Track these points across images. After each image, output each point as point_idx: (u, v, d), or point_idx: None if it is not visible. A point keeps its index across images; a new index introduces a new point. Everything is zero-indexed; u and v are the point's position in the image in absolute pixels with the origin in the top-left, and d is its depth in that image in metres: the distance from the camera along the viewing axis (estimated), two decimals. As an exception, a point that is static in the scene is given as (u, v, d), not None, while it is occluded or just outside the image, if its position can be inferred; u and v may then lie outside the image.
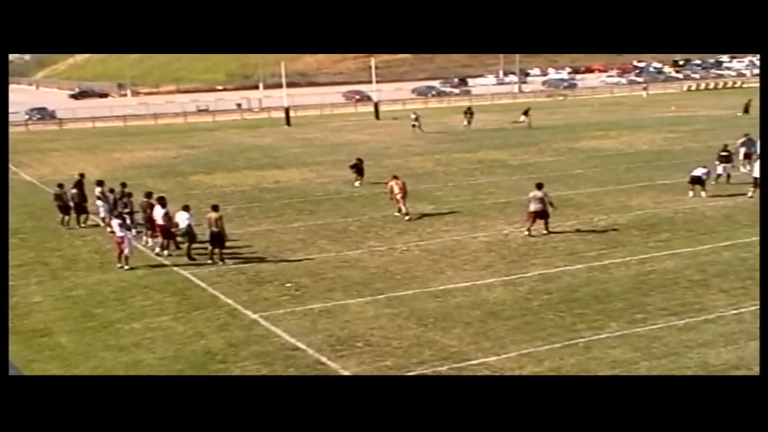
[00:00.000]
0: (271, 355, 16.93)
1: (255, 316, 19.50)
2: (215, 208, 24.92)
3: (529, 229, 26.49)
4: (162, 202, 25.78)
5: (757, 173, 30.71)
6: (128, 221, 26.09)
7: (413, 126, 61.43)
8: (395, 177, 30.70)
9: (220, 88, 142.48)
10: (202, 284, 22.35)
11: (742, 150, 37.38)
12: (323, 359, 16.62)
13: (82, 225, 30.68)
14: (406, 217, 29.56)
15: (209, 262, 24.26)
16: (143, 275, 23.58)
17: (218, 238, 24.37)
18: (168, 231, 25.27)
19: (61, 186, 32.19)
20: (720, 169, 34.12)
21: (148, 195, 27.31)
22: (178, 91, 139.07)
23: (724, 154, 34.69)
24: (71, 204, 30.88)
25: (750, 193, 30.82)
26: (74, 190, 31.19)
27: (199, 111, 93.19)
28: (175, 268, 24.06)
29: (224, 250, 24.55)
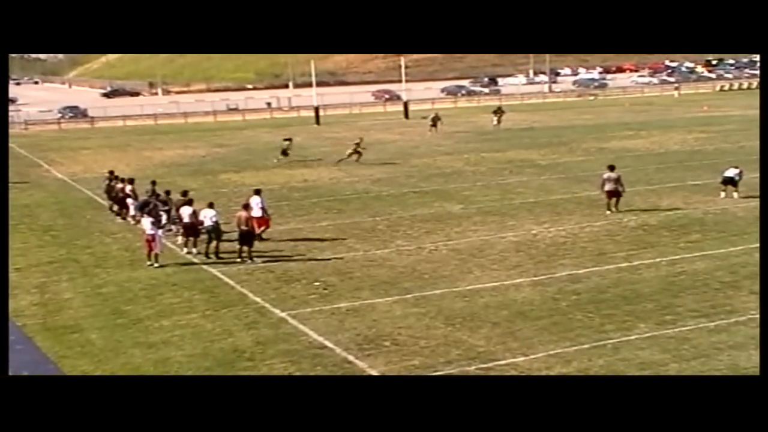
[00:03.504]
0: (299, 354, 16.99)
1: (283, 315, 19.57)
2: (246, 207, 25.04)
3: (609, 208, 29.24)
4: (189, 201, 26.14)
5: None
6: (164, 218, 26.39)
7: (431, 126, 60.97)
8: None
9: (250, 87, 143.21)
10: (231, 282, 22.47)
11: None
12: (350, 358, 16.65)
13: (121, 218, 31.29)
14: None
15: (238, 260, 24.38)
16: (172, 273, 23.74)
17: (248, 237, 24.50)
18: (194, 229, 25.43)
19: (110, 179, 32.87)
20: None
21: (185, 193, 27.56)
22: (209, 90, 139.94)
23: None
24: (120, 196, 31.38)
25: None
26: (121, 185, 31.60)
27: (229, 110, 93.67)
28: (204, 266, 24.20)
29: (252, 249, 24.64)
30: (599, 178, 30.93)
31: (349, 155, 45.74)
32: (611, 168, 29.95)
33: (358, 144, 46.45)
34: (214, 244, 25.00)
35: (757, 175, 33.24)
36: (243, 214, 24.62)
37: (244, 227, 24.45)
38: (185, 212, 25.66)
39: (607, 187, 29.52)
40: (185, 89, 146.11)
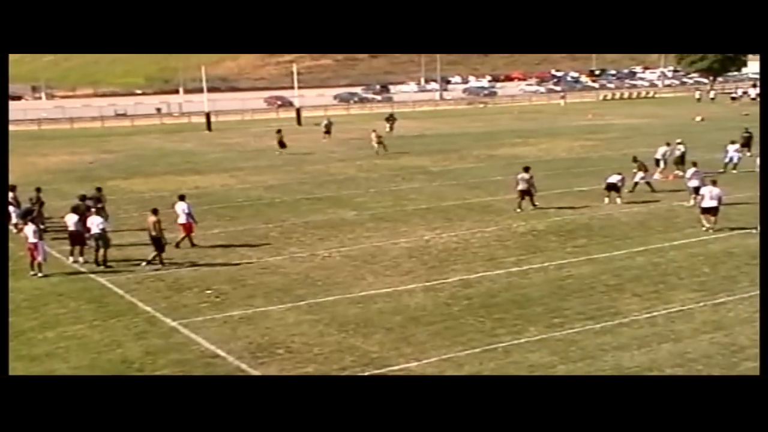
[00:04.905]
0: (191, 363, 16.70)
1: (174, 324, 19.20)
2: (155, 211, 24.77)
3: (519, 206, 31.00)
4: (75, 207, 25.68)
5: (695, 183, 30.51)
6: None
7: (325, 133, 60.80)
8: None
9: (138, 92, 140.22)
10: (120, 291, 21.92)
11: (676, 153, 38.58)
12: (243, 366, 16.47)
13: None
14: None
15: (158, 266, 24.18)
16: (58, 282, 23.00)
17: (156, 242, 24.26)
18: (80, 237, 24.79)
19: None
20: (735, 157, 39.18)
21: (83, 198, 27.43)
22: (95, 95, 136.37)
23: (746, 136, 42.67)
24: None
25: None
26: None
27: (118, 115, 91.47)
28: (92, 276, 23.54)
29: (158, 255, 24.43)
30: (514, 178, 32.37)
31: (379, 145, 51.82)
32: (526, 169, 31.65)
33: (379, 135, 53.14)
34: (102, 252, 24.42)
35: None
36: (151, 218, 24.37)
37: (153, 232, 24.24)
38: (71, 220, 24.98)
39: (521, 186, 31.29)
40: (70, 94, 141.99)
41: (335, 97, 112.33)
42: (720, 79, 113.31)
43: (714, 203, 26.87)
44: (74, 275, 23.77)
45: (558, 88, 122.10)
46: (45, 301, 21.29)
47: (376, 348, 17.34)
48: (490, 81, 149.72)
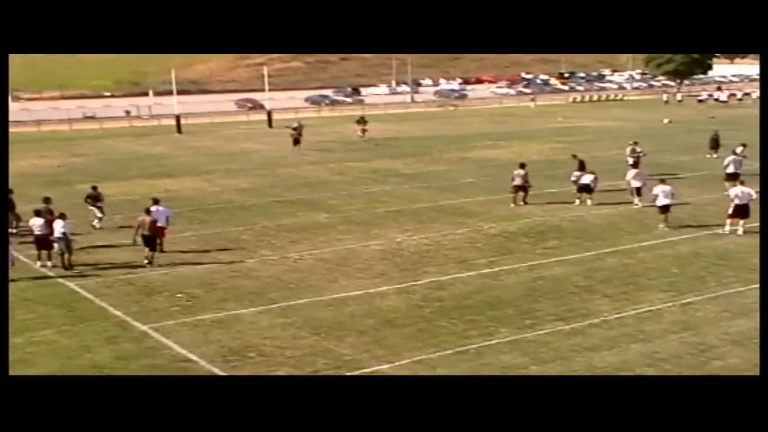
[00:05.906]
0: (162, 368, 16.60)
1: (145, 328, 19.08)
2: (148, 211, 25.13)
3: (514, 201, 32.55)
4: (37, 211, 25.69)
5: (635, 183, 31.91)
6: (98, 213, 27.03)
7: (297, 135, 59.32)
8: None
9: (107, 94, 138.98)
10: (90, 296, 21.73)
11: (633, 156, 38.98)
12: (216, 370, 16.40)
13: None
14: None
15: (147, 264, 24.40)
16: (26, 287, 22.74)
17: (151, 241, 24.56)
18: (46, 241, 24.59)
19: None
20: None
21: (47, 200, 27.34)
22: (63, 98, 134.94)
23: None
24: None
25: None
26: None
27: (86, 118, 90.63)
28: (60, 280, 23.32)
29: (155, 253, 24.80)
30: (510, 173, 33.86)
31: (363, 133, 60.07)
32: (521, 165, 33.46)
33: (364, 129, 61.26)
34: (66, 256, 24.31)
35: (611, 182, 34.81)
36: (146, 218, 24.64)
37: (146, 232, 24.49)
38: (36, 224, 24.84)
39: (516, 182, 32.95)
40: (37, 96, 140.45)
41: (306, 100, 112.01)
42: (687, 81, 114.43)
43: (668, 201, 27.59)
44: (42, 280, 23.54)
45: (528, 91, 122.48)
46: (12, 306, 21.02)
47: (349, 351, 17.34)
48: (460, 83, 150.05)
